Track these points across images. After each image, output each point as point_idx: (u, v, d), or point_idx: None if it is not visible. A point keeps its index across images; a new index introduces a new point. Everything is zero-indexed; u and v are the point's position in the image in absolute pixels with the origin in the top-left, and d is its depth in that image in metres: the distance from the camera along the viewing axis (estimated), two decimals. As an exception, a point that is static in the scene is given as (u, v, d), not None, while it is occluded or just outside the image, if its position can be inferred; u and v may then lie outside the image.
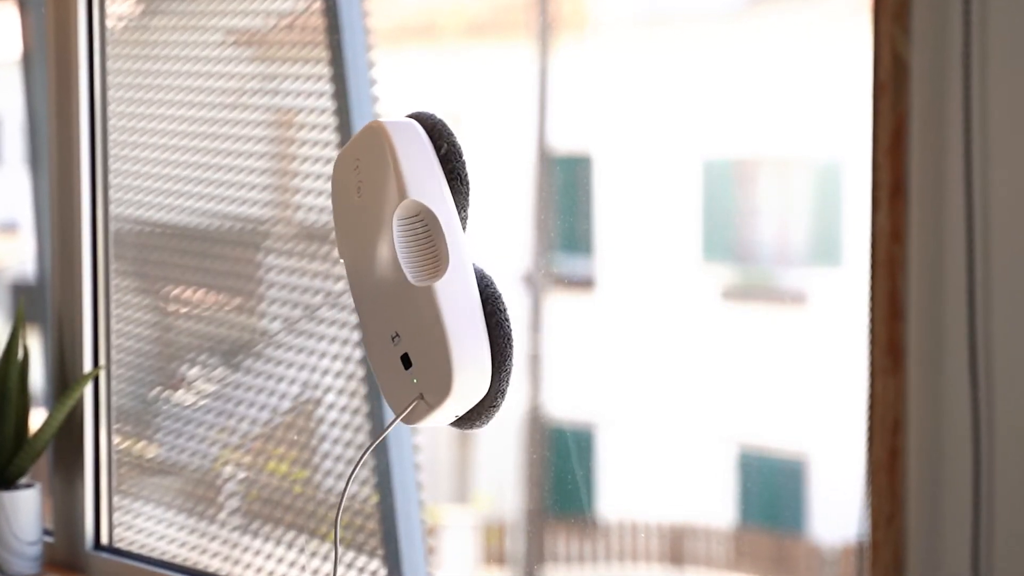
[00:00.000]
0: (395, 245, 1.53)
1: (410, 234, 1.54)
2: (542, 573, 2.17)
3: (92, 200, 2.18)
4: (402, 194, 1.53)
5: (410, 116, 1.60)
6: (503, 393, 1.53)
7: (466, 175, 1.57)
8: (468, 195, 1.57)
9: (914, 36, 1.28)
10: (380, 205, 1.55)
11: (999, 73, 1.25)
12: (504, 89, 2.12)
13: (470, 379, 1.50)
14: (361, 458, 1.60)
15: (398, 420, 1.52)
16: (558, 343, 2.01)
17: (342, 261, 1.60)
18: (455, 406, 1.51)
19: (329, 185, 2.05)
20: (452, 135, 1.58)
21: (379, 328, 1.55)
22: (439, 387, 1.50)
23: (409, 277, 1.52)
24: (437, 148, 1.57)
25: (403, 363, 1.53)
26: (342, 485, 2.09)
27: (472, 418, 1.54)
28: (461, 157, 1.57)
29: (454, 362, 1.49)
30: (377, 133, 1.56)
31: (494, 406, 1.54)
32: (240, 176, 2.17)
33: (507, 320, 1.53)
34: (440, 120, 1.59)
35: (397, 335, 1.53)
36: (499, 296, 1.54)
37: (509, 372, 1.53)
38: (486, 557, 2.29)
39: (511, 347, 1.53)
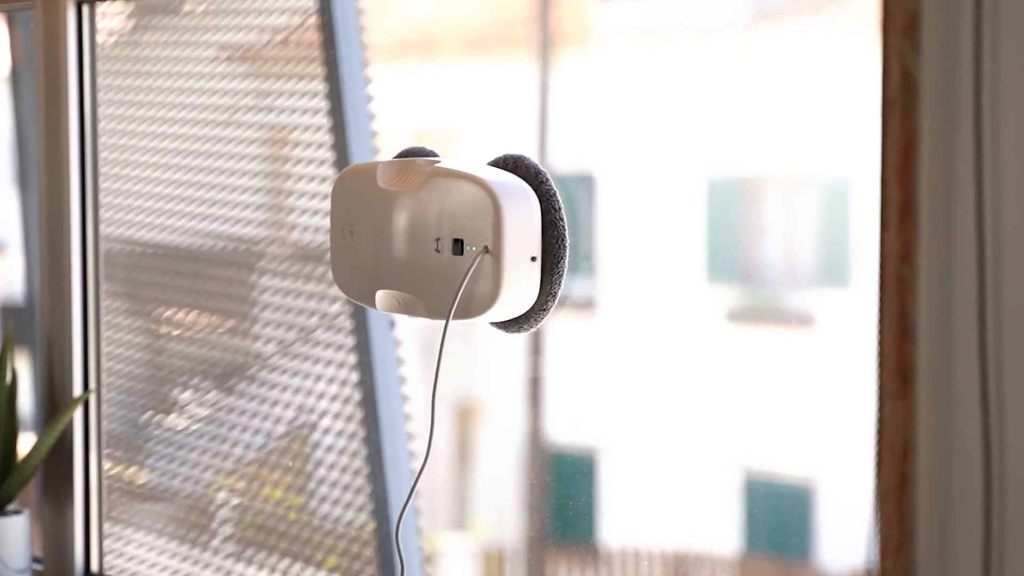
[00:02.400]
0: (394, 194, 1.59)
1: (400, 181, 1.60)
2: (543, 601, 2.15)
3: (82, 219, 2.20)
4: (376, 171, 1.61)
5: (399, 155, 1.65)
6: (559, 216, 1.55)
7: None
8: None
9: (924, 51, 1.30)
10: (368, 204, 1.61)
11: (1010, 89, 1.26)
12: (504, 105, 2.11)
13: (513, 196, 1.53)
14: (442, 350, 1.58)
15: (468, 275, 1.53)
16: (559, 366, 2.00)
17: (384, 313, 1.65)
18: (519, 234, 1.52)
19: (326, 204, 2.04)
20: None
21: (430, 269, 1.57)
22: (492, 218, 1.51)
23: (415, 187, 1.57)
24: None
25: (459, 253, 1.55)
26: (338, 511, 2.09)
27: (551, 263, 1.55)
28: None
29: (493, 189, 1.52)
30: (339, 177, 1.66)
31: (559, 239, 1.55)
32: (233, 195, 2.18)
33: (531, 162, 1.58)
34: (429, 151, 1.66)
35: (438, 240, 1.56)
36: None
37: (557, 204, 1.56)
38: (486, 585, 2.27)
39: (546, 179, 1.56)
